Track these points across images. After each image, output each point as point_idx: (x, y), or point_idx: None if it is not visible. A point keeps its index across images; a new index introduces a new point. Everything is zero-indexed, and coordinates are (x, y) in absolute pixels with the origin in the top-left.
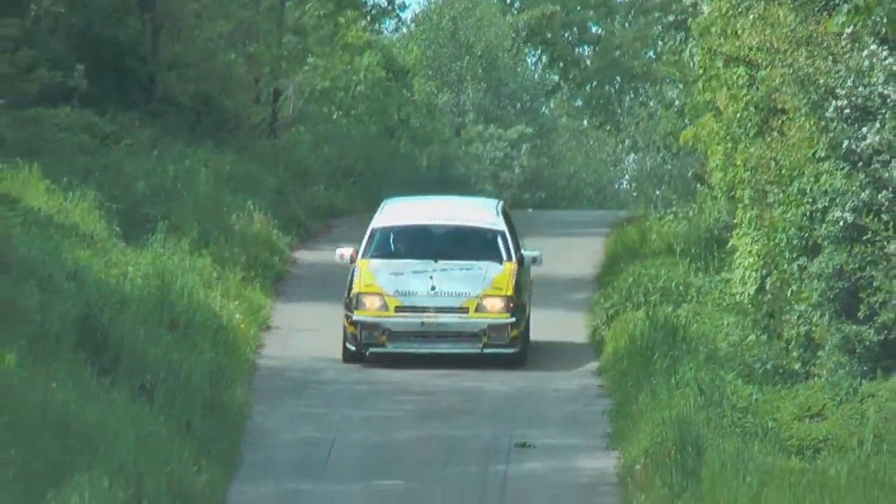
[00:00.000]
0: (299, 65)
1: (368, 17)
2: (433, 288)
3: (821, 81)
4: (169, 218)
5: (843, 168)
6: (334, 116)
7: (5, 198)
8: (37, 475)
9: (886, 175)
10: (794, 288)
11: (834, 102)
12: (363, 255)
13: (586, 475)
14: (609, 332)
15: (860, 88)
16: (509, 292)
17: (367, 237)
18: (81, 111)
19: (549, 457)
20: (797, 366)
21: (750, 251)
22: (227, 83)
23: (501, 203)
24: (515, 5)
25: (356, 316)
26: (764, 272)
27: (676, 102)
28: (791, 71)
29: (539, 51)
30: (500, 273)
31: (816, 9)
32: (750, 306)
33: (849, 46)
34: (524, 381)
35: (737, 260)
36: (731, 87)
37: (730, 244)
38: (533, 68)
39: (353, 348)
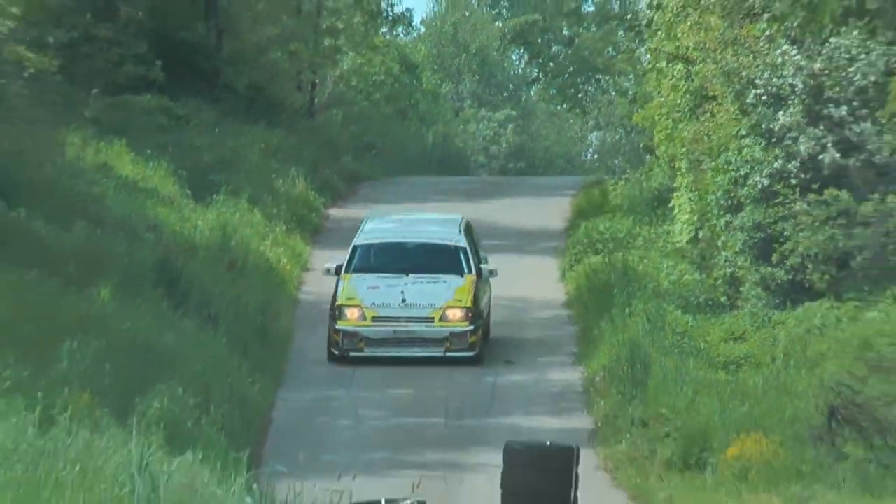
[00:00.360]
0: (333, 62)
1: (387, 25)
2: (404, 300)
3: (743, 74)
4: (229, 182)
5: (761, 143)
6: (358, 99)
7: (102, 167)
8: (127, 385)
9: (795, 149)
10: (722, 238)
11: (754, 91)
12: (346, 270)
13: (557, 385)
14: (575, 273)
15: (774, 80)
16: (468, 304)
17: (349, 253)
18: (159, 98)
19: (527, 371)
20: (724, 299)
21: (686, 208)
22: (275, 75)
23: (465, 219)
24: (504, 14)
25: (339, 325)
26: (697, 225)
27: (630, 91)
28: (720, 66)
29: (522, 50)
30: (461, 285)
31: (741, 16)
32: (686, 252)
33: (766, 46)
34: (508, 312)
35: (676, 215)
36: (672, 79)
37: (671, 203)
38: (517, 63)
39: (337, 352)
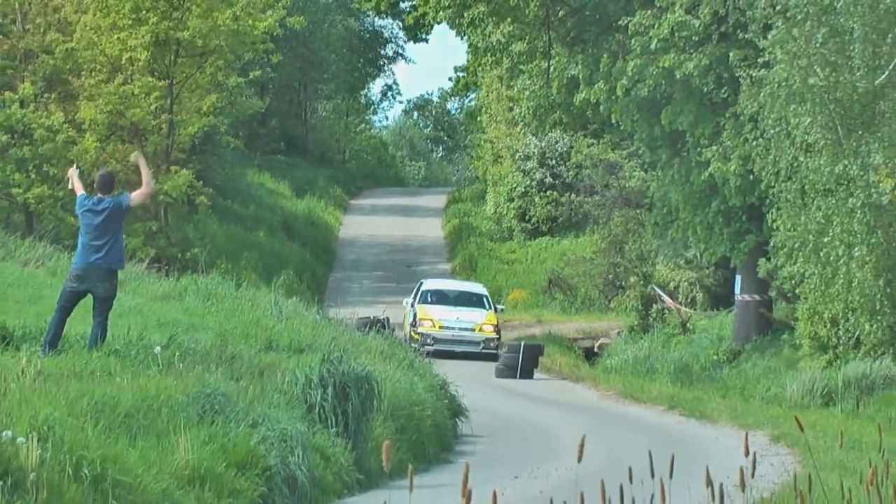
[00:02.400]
0: (352, 142)
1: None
2: (458, 318)
3: (514, 147)
4: (310, 190)
5: (521, 175)
6: (362, 156)
7: (260, 185)
8: (270, 269)
9: (534, 177)
10: (507, 210)
11: (517, 153)
12: (419, 302)
13: (441, 269)
14: (448, 225)
15: (525, 149)
16: (495, 323)
17: (420, 293)
18: (283, 157)
19: (429, 265)
20: (506, 235)
21: (492, 200)
22: (330, 147)
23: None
24: (428, 125)
25: (419, 330)
26: (496, 207)
27: (473, 156)
28: (505, 144)
29: (431, 140)
30: (489, 314)
31: (513, 124)
32: (492, 217)
33: (523, 136)
34: (420, 241)
35: (488, 203)
36: (483, 151)
37: (486, 198)
38: (428, 144)
39: (415, 346)
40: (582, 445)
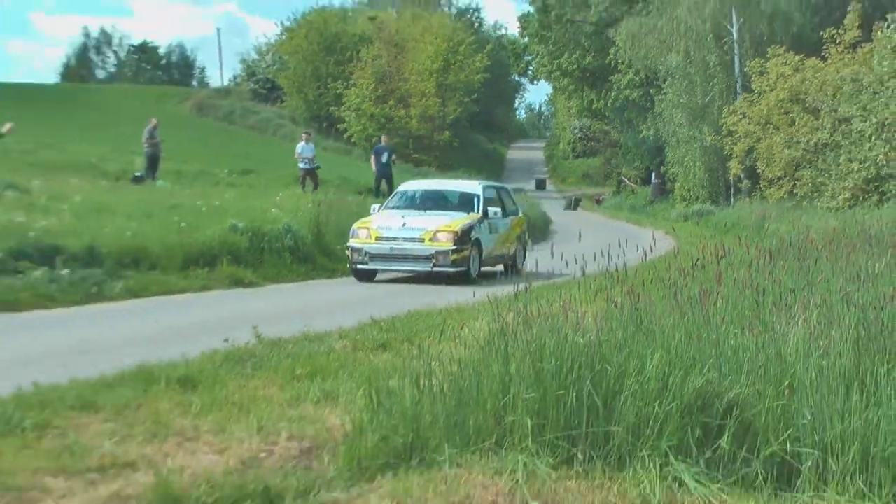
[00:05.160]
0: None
1: None
2: (404, 224)
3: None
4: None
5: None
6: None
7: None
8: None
9: None
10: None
11: None
12: (383, 208)
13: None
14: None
15: None
16: (456, 230)
17: (392, 196)
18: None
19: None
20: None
21: None
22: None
23: (486, 185)
24: None
25: (349, 243)
26: None
27: None
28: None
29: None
30: (461, 218)
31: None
32: None
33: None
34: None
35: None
36: None
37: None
38: None
39: (349, 266)
40: (580, 235)
